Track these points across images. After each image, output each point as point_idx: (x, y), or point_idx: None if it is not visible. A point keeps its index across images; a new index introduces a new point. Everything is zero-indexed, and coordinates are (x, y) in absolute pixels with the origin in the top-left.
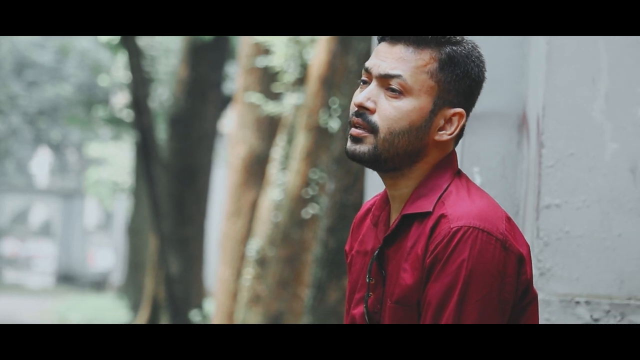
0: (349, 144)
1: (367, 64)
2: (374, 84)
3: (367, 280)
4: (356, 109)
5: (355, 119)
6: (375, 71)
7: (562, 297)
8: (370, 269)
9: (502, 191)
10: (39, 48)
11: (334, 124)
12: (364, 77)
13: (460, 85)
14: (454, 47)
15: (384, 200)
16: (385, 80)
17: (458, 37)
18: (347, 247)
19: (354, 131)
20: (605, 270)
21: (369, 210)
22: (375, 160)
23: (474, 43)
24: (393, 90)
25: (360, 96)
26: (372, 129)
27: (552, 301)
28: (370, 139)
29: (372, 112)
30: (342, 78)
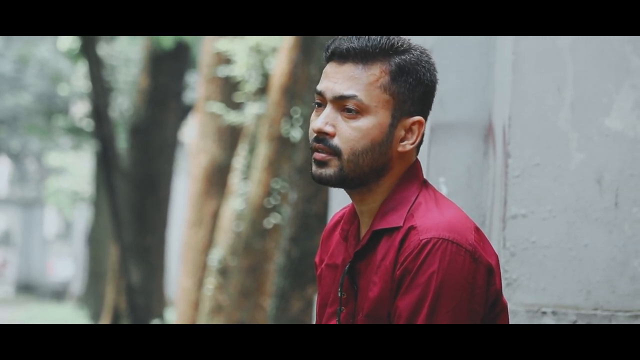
0: (314, 168)
1: (319, 87)
2: (329, 107)
3: (339, 295)
4: (315, 134)
5: (316, 145)
6: (328, 94)
7: (529, 307)
8: (342, 283)
9: (468, 201)
10: None
11: (296, 134)
12: (317, 100)
13: (414, 93)
14: (402, 57)
15: (353, 214)
16: (340, 102)
17: (404, 45)
18: (316, 259)
19: (317, 155)
20: (572, 281)
21: (337, 222)
22: (342, 181)
23: (421, 48)
24: (349, 110)
25: (318, 121)
26: (335, 152)
27: (519, 311)
28: (334, 161)
29: (332, 135)
30: (304, 87)
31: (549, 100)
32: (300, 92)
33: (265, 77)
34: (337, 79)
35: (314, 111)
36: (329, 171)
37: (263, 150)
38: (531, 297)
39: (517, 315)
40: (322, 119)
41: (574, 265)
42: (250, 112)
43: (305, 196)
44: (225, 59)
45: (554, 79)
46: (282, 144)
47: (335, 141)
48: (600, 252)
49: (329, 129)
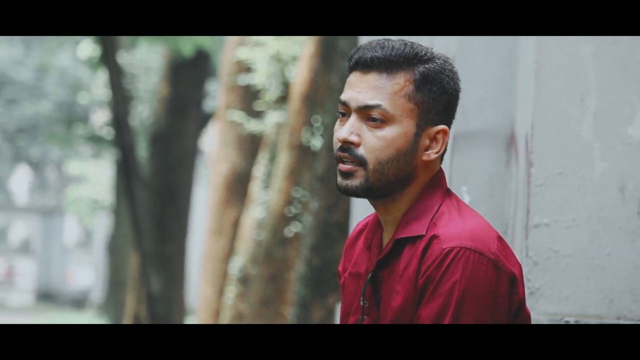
0: (339, 179)
1: (343, 97)
2: (354, 116)
3: (362, 304)
4: (340, 144)
5: (341, 154)
6: (353, 104)
7: (552, 316)
8: (364, 292)
9: (490, 210)
10: (18, 65)
11: (317, 142)
12: (341, 110)
13: (439, 102)
14: (426, 65)
15: (376, 223)
16: (365, 111)
17: (428, 54)
18: (340, 268)
19: (342, 167)
20: (595, 290)
21: (361, 231)
22: (368, 192)
23: (445, 57)
24: (374, 120)
25: (343, 131)
26: (361, 162)
27: (542, 320)
28: (360, 172)
29: (357, 145)
30: (324, 96)
31: (572, 109)
32: (321, 100)
33: (286, 85)
34: (361, 89)
35: (338, 121)
36: (355, 182)
37: (284, 159)
38: (554, 306)
39: (540, 324)
40: (347, 129)
41: (596, 274)
42: (271, 121)
43: (326, 205)
44: (245, 68)
45: (577, 88)
46: (303, 153)
47: (361, 151)
48: (623, 261)
49: (354, 138)
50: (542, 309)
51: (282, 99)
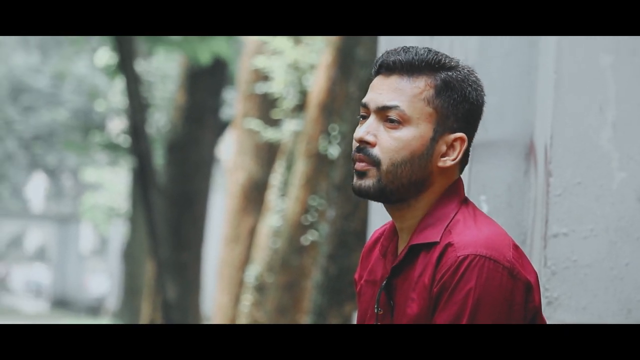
0: (355, 179)
1: (365, 99)
2: (372, 117)
3: (376, 311)
4: (357, 144)
5: (357, 155)
6: (372, 105)
7: None
8: (379, 300)
9: (508, 219)
10: (35, 73)
11: (334, 151)
12: (362, 113)
13: (458, 109)
14: (449, 73)
15: (392, 231)
16: (383, 112)
17: (453, 62)
18: (356, 276)
19: (357, 165)
20: (613, 300)
21: (377, 239)
22: (381, 194)
23: (470, 67)
24: (392, 121)
25: (360, 131)
26: (374, 162)
27: None
28: (373, 171)
29: (373, 145)
30: (342, 105)
31: (591, 119)
32: (338, 109)
33: (303, 94)
34: (382, 91)
35: (359, 124)
36: (367, 182)
37: (300, 167)
38: (572, 316)
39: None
40: (365, 129)
41: (615, 284)
42: (288, 129)
43: (343, 213)
44: (263, 76)
45: (596, 98)
46: (320, 161)
47: (376, 151)
48: None
49: (370, 138)
50: (560, 319)
51: (300, 108)
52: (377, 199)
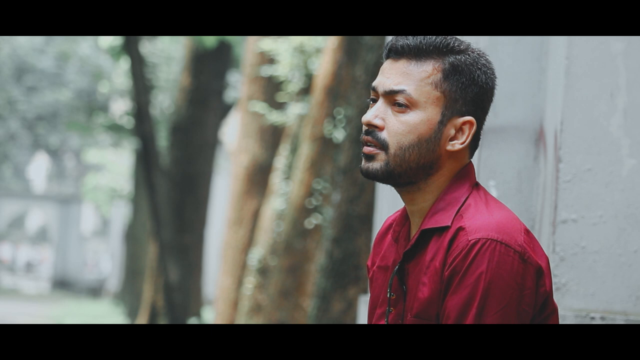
0: (363, 162)
1: (374, 83)
2: (380, 101)
3: (388, 296)
4: (366, 127)
5: (365, 137)
6: (380, 89)
7: (577, 312)
8: (391, 284)
9: (517, 205)
10: (39, 53)
11: (339, 135)
12: (372, 96)
13: (467, 93)
14: (457, 56)
15: (404, 216)
16: (391, 96)
17: (462, 46)
18: (369, 262)
19: (365, 149)
20: (621, 286)
21: (390, 225)
22: (389, 176)
23: (480, 51)
24: (400, 105)
25: (368, 114)
26: (382, 146)
27: (567, 316)
28: (381, 155)
29: (381, 129)
30: (347, 88)
31: (602, 106)
32: (344, 93)
33: (309, 77)
34: (390, 74)
35: (369, 107)
36: (375, 165)
37: (305, 151)
38: (580, 302)
39: (566, 320)
40: (373, 112)
41: (623, 270)
42: (293, 112)
43: (348, 197)
44: (268, 59)
45: (607, 84)
46: (325, 145)
47: (384, 135)
48: None
49: (378, 121)
50: (568, 305)
51: (305, 91)
52: (385, 181)
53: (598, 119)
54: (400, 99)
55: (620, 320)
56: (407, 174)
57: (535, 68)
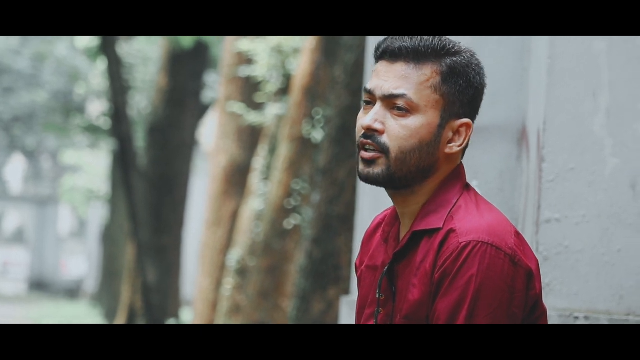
0: (361, 167)
1: (369, 85)
2: (378, 104)
3: (377, 296)
4: (364, 131)
5: (364, 141)
6: (378, 92)
7: (561, 312)
8: (380, 285)
9: (500, 205)
10: (15, 54)
11: (318, 135)
12: (366, 99)
13: (464, 95)
14: (453, 58)
15: (394, 216)
16: (390, 100)
17: (456, 47)
18: (357, 262)
19: (365, 154)
20: (605, 286)
21: (379, 224)
22: (389, 181)
23: (471, 51)
24: (400, 109)
25: (367, 118)
26: (383, 150)
27: (551, 316)
28: (382, 160)
29: (381, 133)
30: (325, 89)
31: (584, 105)
32: (322, 93)
33: (287, 77)
34: (387, 78)
35: (362, 109)
36: (376, 170)
37: (283, 151)
38: (563, 302)
39: (550, 319)
40: (372, 116)
41: (606, 270)
42: (271, 113)
43: (327, 197)
44: (246, 59)
45: (590, 84)
46: (303, 145)
47: (384, 139)
48: (634, 258)
49: (378, 126)
50: (552, 304)
51: (283, 91)
52: (384, 185)
53: (581, 118)
54: (400, 103)
55: (604, 319)
56: (406, 177)
57: (517, 68)
